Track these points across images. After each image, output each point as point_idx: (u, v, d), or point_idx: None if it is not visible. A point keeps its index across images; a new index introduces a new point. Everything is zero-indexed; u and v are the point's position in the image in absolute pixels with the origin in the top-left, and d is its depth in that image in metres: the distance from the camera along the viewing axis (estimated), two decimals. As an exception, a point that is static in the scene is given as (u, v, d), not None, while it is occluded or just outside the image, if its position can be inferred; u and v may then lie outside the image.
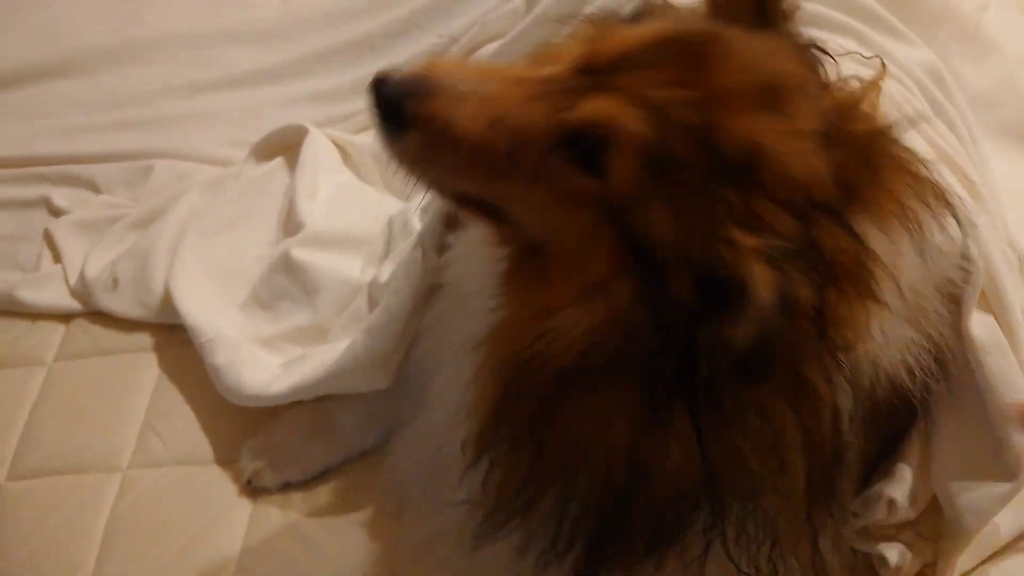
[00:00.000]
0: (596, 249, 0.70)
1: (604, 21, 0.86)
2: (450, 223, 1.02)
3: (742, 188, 0.64)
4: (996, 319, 0.86)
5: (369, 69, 1.57)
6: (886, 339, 0.72)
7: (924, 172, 0.73)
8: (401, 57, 1.57)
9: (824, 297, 0.63)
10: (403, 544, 1.05)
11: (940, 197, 0.74)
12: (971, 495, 0.88)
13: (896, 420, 0.88)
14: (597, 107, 0.67)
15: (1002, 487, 0.87)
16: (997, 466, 0.87)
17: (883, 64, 0.89)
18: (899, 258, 0.71)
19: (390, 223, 1.29)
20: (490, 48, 1.39)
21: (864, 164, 0.69)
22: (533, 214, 0.74)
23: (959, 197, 0.80)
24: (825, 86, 0.75)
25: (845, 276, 0.65)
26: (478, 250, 0.87)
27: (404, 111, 0.69)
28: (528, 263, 0.76)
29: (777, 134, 0.65)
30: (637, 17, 0.83)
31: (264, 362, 1.18)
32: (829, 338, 0.65)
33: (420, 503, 1.03)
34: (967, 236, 0.82)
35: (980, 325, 0.84)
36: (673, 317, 0.65)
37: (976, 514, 0.88)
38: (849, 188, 0.67)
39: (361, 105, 1.54)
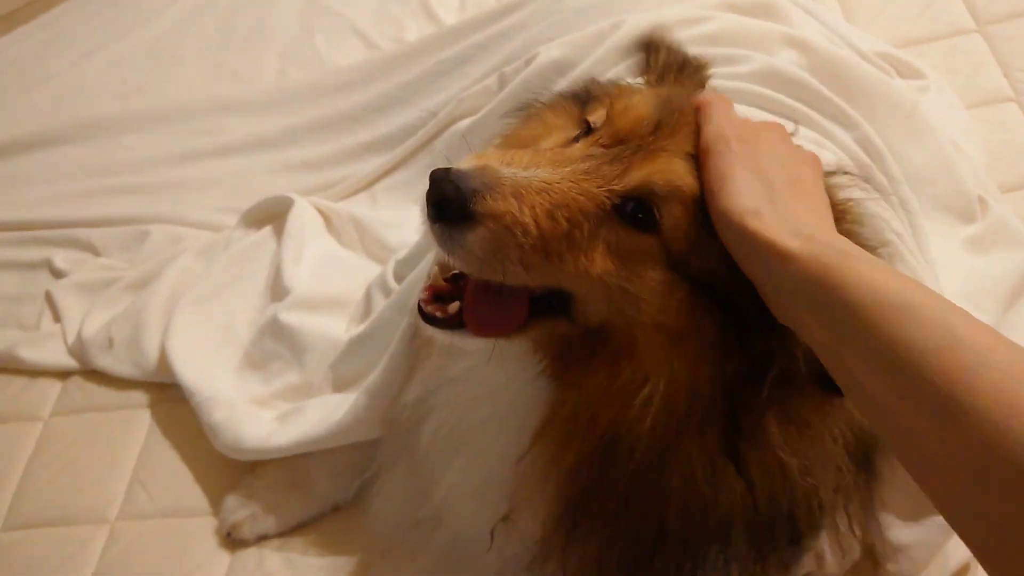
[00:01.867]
0: (671, 300, 0.72)
1: (558, 105, 0.94)
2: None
3: None
4: None
5: (354, 140, 1.70)
6: None
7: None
8: (384, 130, 1.66)
9: None
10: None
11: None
12: (917, 530, 0.93)
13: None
14: (655, 170, 0.73)
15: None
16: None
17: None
18: None
19: (370, 285, 1.36)
20: (464, 123, 1.46)
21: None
22: (599, 288, 0.74)
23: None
24: None
25: None
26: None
27: (470, 207, 0.68)
28: (583, 347, 0.77)
29: None
30: (586, 95, 0.90)
31: (259, 416, 1.23)
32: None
33: (404, 547, 1.07)
34: None
35: None
36: (753, 332, 0.71)
37: (926, 547, 0.93)
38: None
39: (346, 172, 1.65)
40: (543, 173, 0.71)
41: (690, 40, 1.25)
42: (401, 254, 1.31)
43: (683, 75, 0.93)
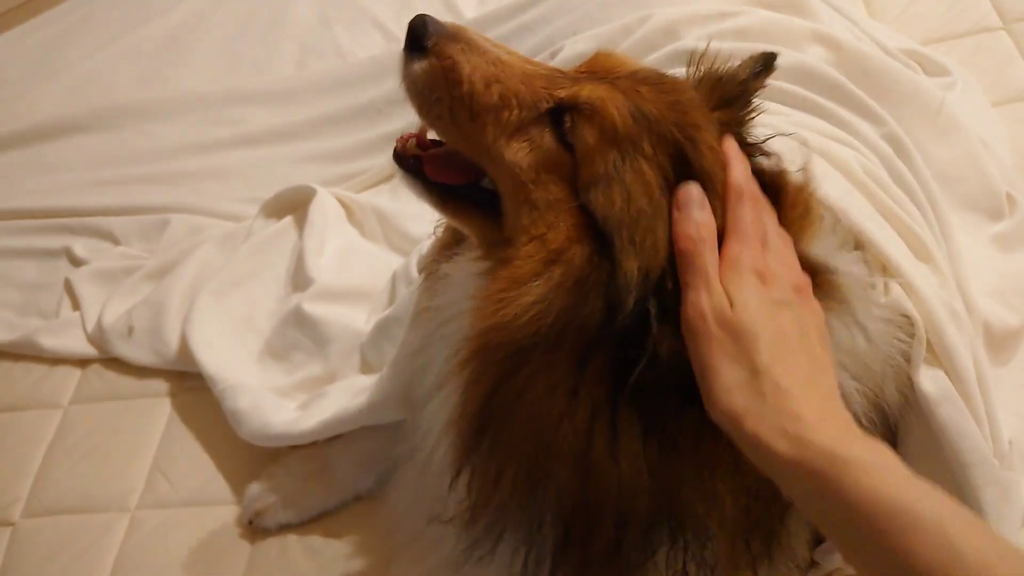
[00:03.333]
0: (559, 219, 0.75)
1: None
2: (445, 250, 1.04)
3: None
4: (946, 372, 0.89)
5: (375, 132, 1.69)
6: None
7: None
8: (405, 122, 1.64)
9: None
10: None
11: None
12: None
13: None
14: (591, 89, 0.77)
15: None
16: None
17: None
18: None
19: (393, 276, 1.36)
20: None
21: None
22: (508, 177, 0.79)
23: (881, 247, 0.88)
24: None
25: None
26: (467, 273, 0.90)
27: (425, 42, 0.79)
28: (499, 253, 0.80)
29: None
30: None
31: (282, 405, 1.23)
32: None
33: (419, 538, 1.06)
34: (889, 291, 0.88)
35: (929, 379, 0.88)
36: (619, 293, 0.71)
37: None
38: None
39: (367, 164, 1.65)
40: (502, 54, 0.81)
41: (720, 34, 1.26)
42: (424, 245, 1.30)
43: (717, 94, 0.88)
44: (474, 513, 0.82)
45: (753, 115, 0.85)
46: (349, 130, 1.74)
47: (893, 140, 1.16)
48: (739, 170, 0.76)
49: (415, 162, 0.88)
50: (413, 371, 1.06)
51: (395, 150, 0.89)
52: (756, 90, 0.86)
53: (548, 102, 0.78)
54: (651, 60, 1.24)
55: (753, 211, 0.74)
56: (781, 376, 0.66)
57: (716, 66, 0.85)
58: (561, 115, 0.77)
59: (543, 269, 0.74)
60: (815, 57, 1.23)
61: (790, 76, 1.16)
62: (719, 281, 0.70)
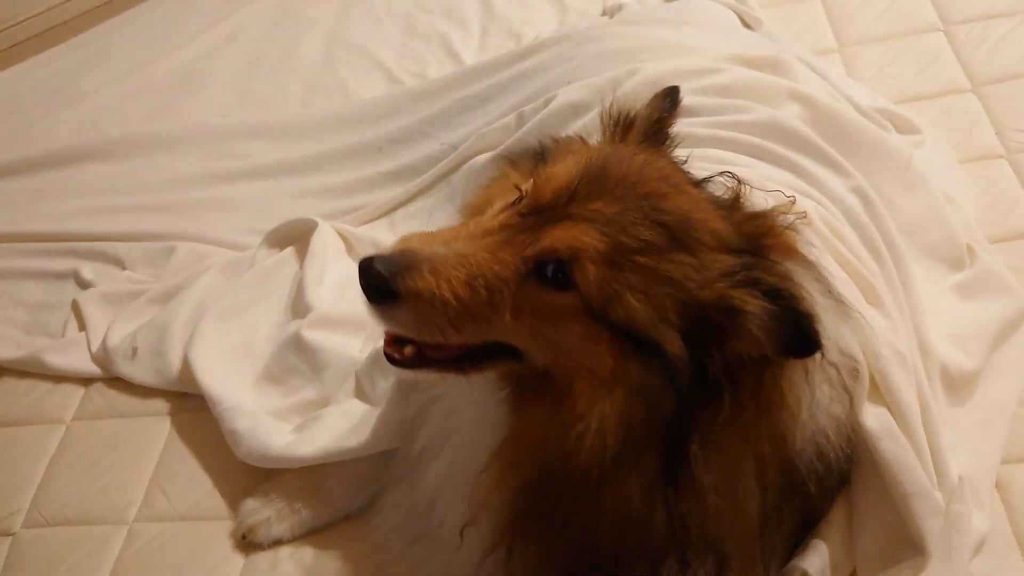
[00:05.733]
0: (596, 348, 0.80)
1: (520, 162, 1.02)
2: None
3: (689, 249, 0.80)
4: (889, 410, 0.96)
5: (376, 169, 1.77)
6: (813, 400, 0.84)
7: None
8: (405, 160, 1.74)
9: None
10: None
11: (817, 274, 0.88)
12: (891, 571, 0.98)
13: (817, 497, 0.97)
14: (557, 236, 0.81)
15: (914, 559, 0.97)
16: (906, 541, 0.98)
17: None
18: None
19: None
20: (483, 157, 1.53)
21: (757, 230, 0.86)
22: (533, 340, 0.84)
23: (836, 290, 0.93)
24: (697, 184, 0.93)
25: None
26: (477, 399, 0.96)
27: (393, 287, 0.80)
28: (535, 384, 0.86)
29: (692, 204, 0.84)
30: (543, 153, 1.02)
31: (278, 428, 1.28)
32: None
33: (405, 557, 1.12)
34: (847, 331, 0.93)
35: (872, 416, 0.95)
36: (679, 374, 0.79)
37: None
38: (753, 239, 0.84)
39: (367, 200, 1.72)
40: (460, 247, 0.82)
41: (702, 90, 1.34)
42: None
43: (636, 133, 0.98)
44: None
45: (673, 147, 0.96)
46: (350, 166, 1.81)
47: (860, 192, 1.23)
48: None
49: (417, 355, 0.89)
50: (406, 413, 1.13)
51: (392, 358, 0.89)
52: (670, 124, 0.96)
53: (526, 265, 0.82)
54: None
55: None
56: None
57: (628, 111, 0.96)
58: (543, 267, 0.81)
59: (605, 394, 0.80)
60: (790, 113, 1.32)
61: (763, 131, 1.24)
62: None
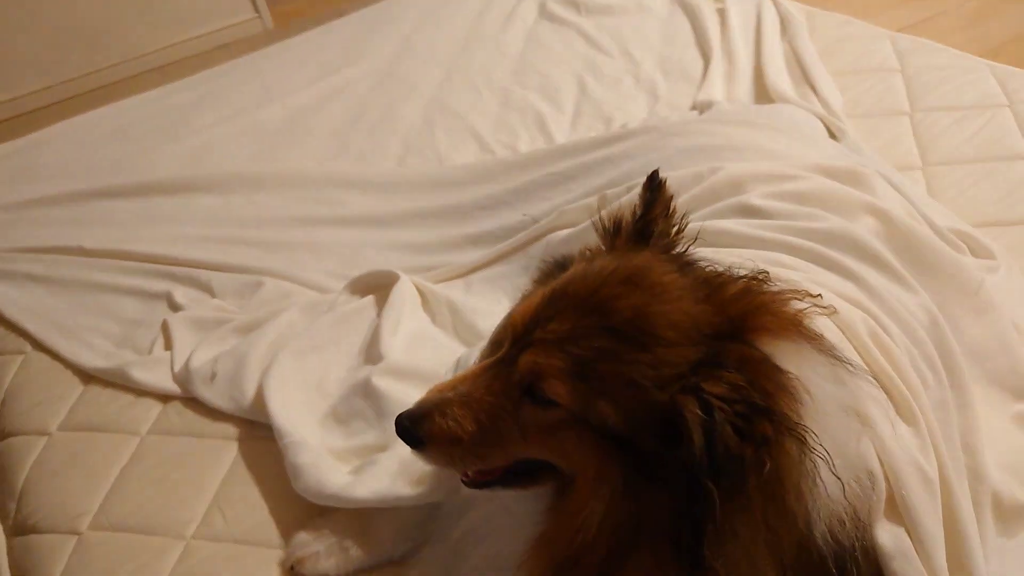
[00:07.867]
0: (585, 452, 0.90)
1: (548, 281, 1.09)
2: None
3: (644, 346, 0.86)
4: (907, 531, 0.96)
5: (460, 232, 1.86)
6: (823, 488, 0.86)
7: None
8: (488, 227, 1.82)
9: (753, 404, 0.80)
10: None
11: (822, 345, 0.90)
12: None
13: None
14: (524, 361, 0.91)
15: None
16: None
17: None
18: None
19: (457, 362, 1.48)
20: (561, 234, 1.60)
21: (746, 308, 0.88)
22: (548, 453, 0.95)
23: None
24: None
25: (763, 386, 0.81)
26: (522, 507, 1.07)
27: (416, 435, 0.96)
28: (564, 488, 0.96)
29: (650, 298, 0.88)
30: (565, 264, 1.10)
31: (337, 468, 1.33)
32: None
33: None
34: (866, 445, 0.95)
35: (887, 533, 0.96)
36: (659, 469, 0.85)
37: None
38: (737, 318, 0.87)
39: (448, 259, 1.80)
40: (463, 388, 0.96)
41: (780, 195, 1.38)
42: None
43: (623, 237, 1.04)
44: None
45: (668, 236, 1.02)
46: (436, 226, 1.89)
47: (925, 310, 1.25)
48: None
49: (477, 476, 1.04)
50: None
51: (463, 480, 1.05)
52: (659, 217, 1.02)
53: (518, 391, 0.93)
54: (714, 209, 1.37)
55: None
56: None
57: (616, 214, 1.03)
58: (530, 390, 0.91)
59: (595, 491, 0.89)
60: (865, 227, 1.35)
61: (833, 241, 1.27)
62: None
